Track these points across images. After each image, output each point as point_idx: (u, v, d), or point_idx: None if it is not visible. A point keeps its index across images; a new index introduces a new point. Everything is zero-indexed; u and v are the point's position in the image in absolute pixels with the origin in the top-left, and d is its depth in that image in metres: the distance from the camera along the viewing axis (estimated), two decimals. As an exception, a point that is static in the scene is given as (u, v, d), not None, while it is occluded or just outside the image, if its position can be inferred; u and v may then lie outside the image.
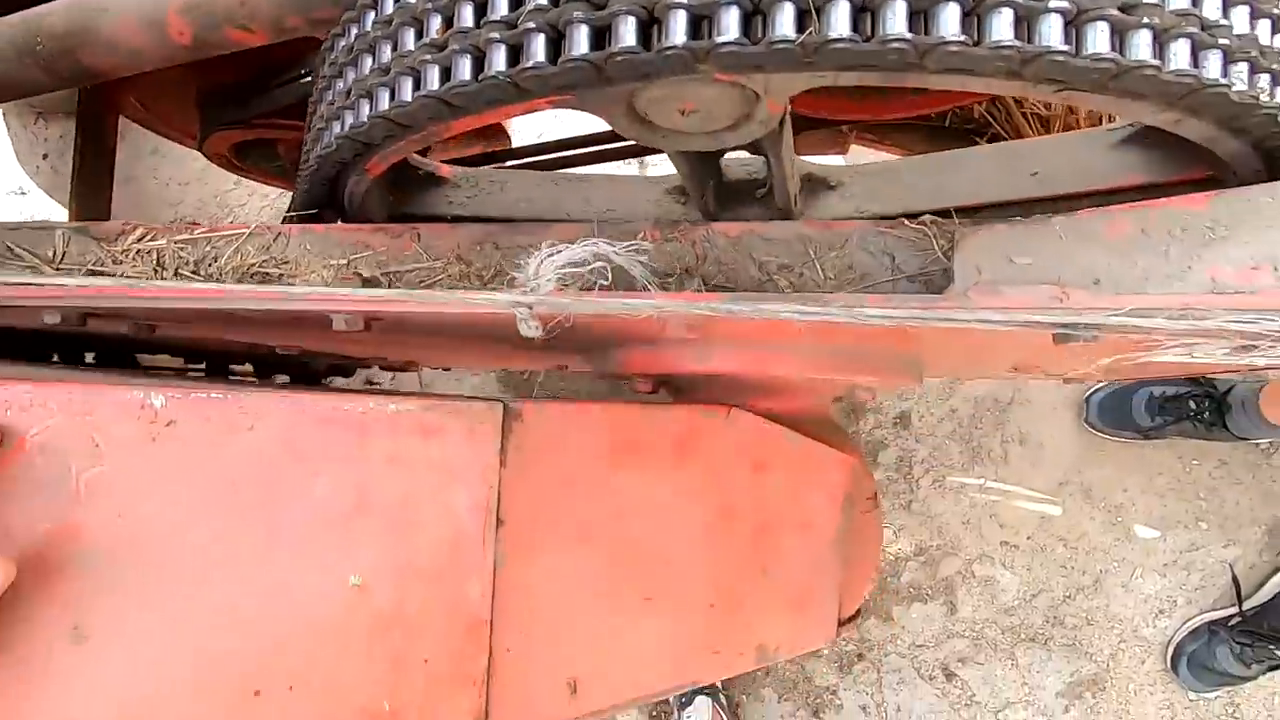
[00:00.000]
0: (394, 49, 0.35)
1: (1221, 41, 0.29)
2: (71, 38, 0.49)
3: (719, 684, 1.45)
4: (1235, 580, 1.34)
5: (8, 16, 0.51)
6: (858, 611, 0.60)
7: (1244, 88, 0.30)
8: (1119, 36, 0.28)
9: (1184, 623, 1.36)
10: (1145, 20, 0.27)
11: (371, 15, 0.37)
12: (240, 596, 0.35)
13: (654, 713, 1.52)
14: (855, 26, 0.26)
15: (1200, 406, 1.28)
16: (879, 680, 1.45)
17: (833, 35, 0.26)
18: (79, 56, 0.50)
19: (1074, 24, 0.27)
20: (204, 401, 0.34)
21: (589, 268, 0.32)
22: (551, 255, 0.32)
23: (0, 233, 0.47)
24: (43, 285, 0.42)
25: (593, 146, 1.06)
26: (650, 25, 0.28)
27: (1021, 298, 0.32)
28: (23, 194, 1.85)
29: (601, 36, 0.29)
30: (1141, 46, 0.28)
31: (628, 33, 0.28)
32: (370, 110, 0.37)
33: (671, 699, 1.43)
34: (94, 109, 0.99)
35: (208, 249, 0.45)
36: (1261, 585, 1.33)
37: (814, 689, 1.46)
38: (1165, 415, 1.30)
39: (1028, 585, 1.42)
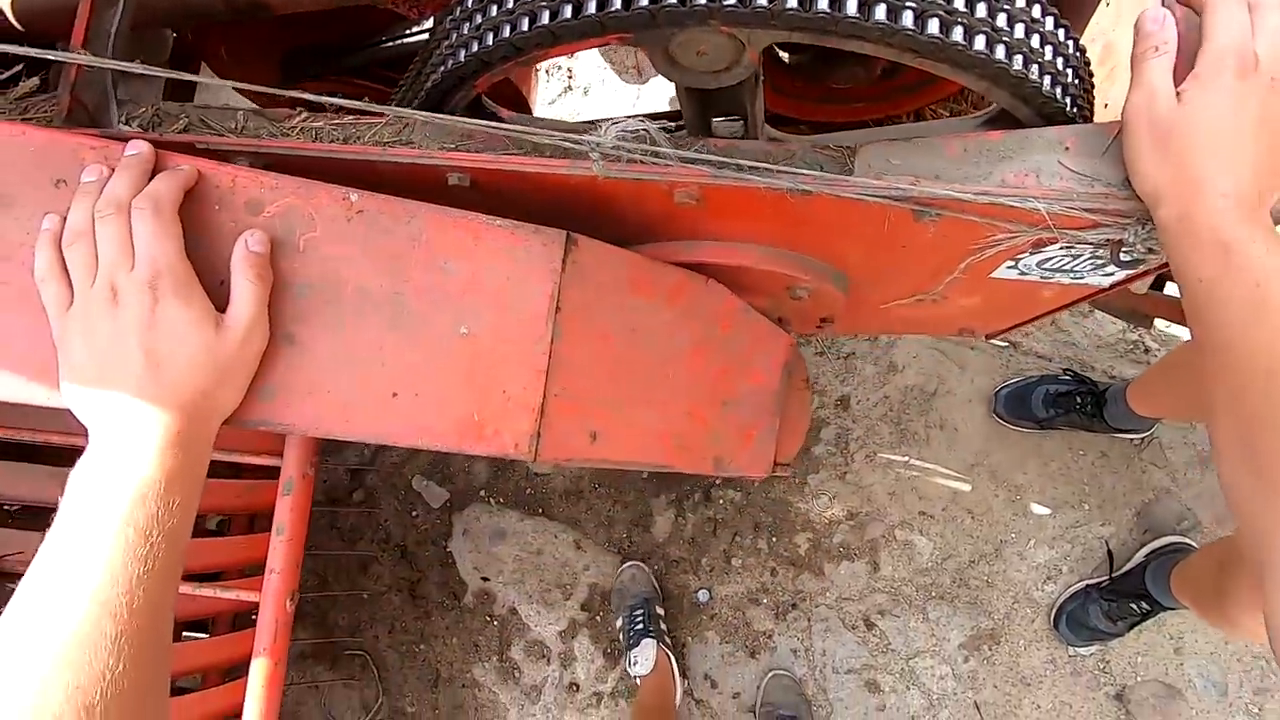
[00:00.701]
0: (516, 1, 0.56)
1: (1004, 39, 0.51)
2: (259, -21, 0.68)
3: (664, 627, 1.62)
4: (1110, 553, 1.58)
5: (212, -41, 0.69)
6: (787, 463, 0.79)
7: (1019, 69, 0.52)
8: (946, 27, 0.50)
9: (1067, 588, 1.58)
10: (960, 20, 0.50)
11: (500, -20, 0.57)
12: (391, 328, 0.53)
13: (607, 649, 1.67)
14: (800, 4, 0.48)
15: (1084, 401, 1.53)
16: (809, 627, 1.63)
17: (788, 6, 0.48)
18: (259, -6, 0.69)
19: (921, 17, 0.49)
20: (381, 199, 0.53)
21: (635, 134, 0.52)
22: (614, 124, 0.52)
23: (192, 111, 0.66)
24: (239, 139, 0.61)
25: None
26: (686, -7, 0.49)
27: (892, 181, 0.54)
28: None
29: (656, -2, 0.50)
30: (957, 33, 0.50)
31: (673, -5, 0.49)
32: (495, 38, 0.57)
33: (621, 638, 1.58)
34: (185, 55, 1.16)
35: (353, 130, 0.63)
36: (1130, 558, 1.56)
37: (752, 633, 1.63)
38: (1057, 408, 1.55)
39: (940, 550, 1.63)
